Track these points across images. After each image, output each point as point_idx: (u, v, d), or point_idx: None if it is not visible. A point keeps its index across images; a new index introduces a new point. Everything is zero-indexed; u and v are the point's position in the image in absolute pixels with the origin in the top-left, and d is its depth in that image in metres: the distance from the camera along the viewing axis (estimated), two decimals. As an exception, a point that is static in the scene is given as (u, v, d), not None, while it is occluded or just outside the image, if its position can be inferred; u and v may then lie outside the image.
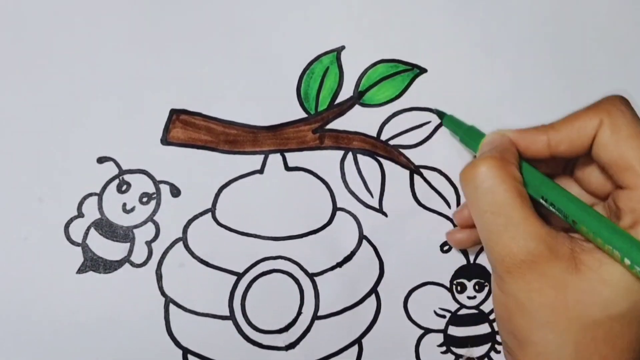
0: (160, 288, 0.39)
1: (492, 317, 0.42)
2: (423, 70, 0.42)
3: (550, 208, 0.33)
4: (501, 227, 0.30)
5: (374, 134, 0.41)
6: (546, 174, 0.36)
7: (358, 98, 0.42)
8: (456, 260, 0.42)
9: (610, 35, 0.43)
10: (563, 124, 0.32)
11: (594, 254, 0.30)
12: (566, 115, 0.33)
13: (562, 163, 0.37)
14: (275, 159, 0.41)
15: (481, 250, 0.42)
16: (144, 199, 0.40)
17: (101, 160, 0.39)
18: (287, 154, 0.41)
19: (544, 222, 0.31)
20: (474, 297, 0.41)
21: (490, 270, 0.33)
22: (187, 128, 0.40)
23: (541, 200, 0.33)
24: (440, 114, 0.41)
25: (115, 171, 0.39)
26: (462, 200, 0.41)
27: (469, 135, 0.38)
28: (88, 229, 0.39)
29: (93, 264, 0.39)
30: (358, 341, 0.40)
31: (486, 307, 0.42)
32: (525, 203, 0.30)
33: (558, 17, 0.43)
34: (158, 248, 0.39)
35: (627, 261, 0.29)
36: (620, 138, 0.30)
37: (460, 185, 0.33)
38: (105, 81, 0.40)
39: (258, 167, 0.40)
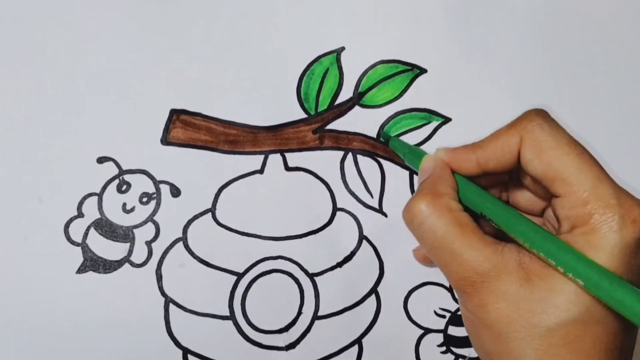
0: (160, 288, 0.39)
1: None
2: (423, 71, 0.42)
3: (491, 223, 0.33)
4: (448, 257, 0.32)
5: (374, 135, 0.41)
6: (498, 182, 0.37)
7: (358, 99, 0.42)
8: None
9: (610, 34, 0.43)
10: (488, 142, 0.34)
11: (542, 262, 0.31)
12: (491, 133, 0.34)
13: (505, 176, 0.38)
14: (275, 159, 0.41)
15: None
16: (144, 199, 0.40)
17: (101, 160, 0.39)
18: (287, 154, 0.41)
19: (490, 239, 0.32)
20: (474, 298, 0.41)
21: None
22: (187, 128, 0.40)
23: (482, 216, 0.34)
24: (386, 137, 0.41)
25: (115, 171, 0.40)
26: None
27: (412, 156, 0.38)
28: (88, 229, 0.39)
29: (93, 264, 0.39)
30: (358, 341, 0.40)
31: (486, 308, 0.42)
32: (466, 229, 0.31)
33: (558, 16, 0.43)
34: (158, 248, 0.39)
35: (560, 269, 0.29)
36: (542, 151, 0.31)
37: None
38: (106, 81, 0.40)
39: (258, 167, 0.40)
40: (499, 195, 0.38)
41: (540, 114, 0.32)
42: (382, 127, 0.42)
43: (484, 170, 0.34)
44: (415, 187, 0.41)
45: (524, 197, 0.37)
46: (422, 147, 0.42)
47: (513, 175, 0.37)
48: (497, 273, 0.30)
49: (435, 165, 0.35)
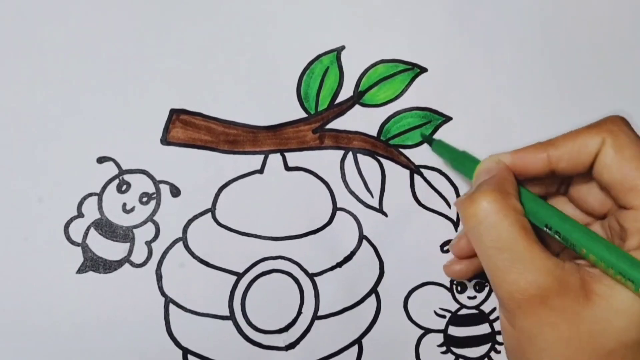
0: (160, 288, 0.39)
1: (492, 317, 0.42)
2: (423, 70, 0.42)
3: (555, 236, 0.32)
4: (507, 262, 0.29)
5: (374, 134, 0.41)
6: (540, 194, 0.35)
7: (358, 98, 0.42)
8: (456, 260, 0.42)
9: (610, 34, 0.43)
10: (563, 141, 0.32)
11: (604, 281, 0.29)
12: (566, 133, 0.33)
13: (557, 182, 0.36)
14: (275, 159, 0.41)
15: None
16: (144, 199, 0.40)
17: (101, 160, 0.39)
18: (287, 154, 0.41)
19: (550, 252, 0.30)
20: (474, 297, 0.41)
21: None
22: (187, 128, 0.40)
23: (545, 229, 0.32)
24: (429, 140, 0.41)
25: (115, 171, 0.39)
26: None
27: (460, 162, 0.38)
28: (88, 229, 0.39)
29: (93, 264, 0.39)
30: (358, 341, 0.40)
31: (486, 307, 0.42)
32: (530, 236, 0.30)
33: (558, 16, 0.43)
34: (158, 248, 0.39)
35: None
36: (623, 158, 0.29)
37: (460, 219, 0.32)
38: (105, 81, 0.40)
39: (258, 167, 0.40)
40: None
41: (626, 122, 0.31)
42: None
43: (552, 170, 0.32)
44: (417, 187, 0.41)
45: (568, 211, 0.35)
46: (424, 145, 0.41)
47: (562, 185, 0.36)
48: (559, 289, 0.29)
49: (499, 167, 0.33)
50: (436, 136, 0.41)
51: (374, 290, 0.41)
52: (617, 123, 0.31)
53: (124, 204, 0.39)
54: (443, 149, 0.40)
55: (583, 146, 0.31)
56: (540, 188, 0.36)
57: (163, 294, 0.39)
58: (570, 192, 0.36)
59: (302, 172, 0.41)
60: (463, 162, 0.38)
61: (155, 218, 0.39)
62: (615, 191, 0.30)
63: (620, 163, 0.29)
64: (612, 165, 0.30)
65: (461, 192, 0.41)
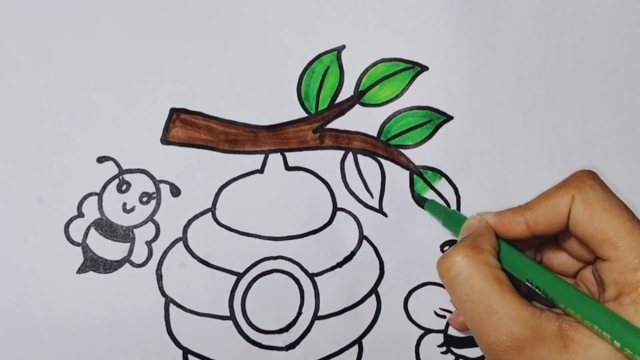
0: (160, 288, 0.39)
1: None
2: (424, 68, 0.42)
3: (537, 290, 0.33)
4: (483, 315, 0.30)
5: (375, 134, 0.41)
6: (534, 244, 0.36)
7: (358, 97, 0.42)
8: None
9: (611, 34, 0.43)
10: (537, 203, 0.33)
11: (583, 330, 0.30)
12: (540, 194, 0.33)
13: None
14: (275, 159, 0.41)
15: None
16: (144, 199, 0.40)
17: (101, 160, 0.39)
18: (287, 154, 0.41)
19: (527, 302, 0.31)
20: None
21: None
22: (187, 127, 0.40)
23: (527, 283, 0.33)
24: (422, 200, 0.41)
25: (115, 171, 0.39)
26: (462, 201, 0.41)
27: (450, 219, 0.39)
28: (88, 229, 0.39)
29: (93, 264, 0.39)
30: (358, 341, 0.40)
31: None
32: (505, 287, 0.30)
33: (559, 15, 0.43)
34: (158, 248, 0.39)
35: (617, 343, 0.29)
36: (593, 212, 0.30)
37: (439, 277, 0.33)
38: (106, 81, 0.40)
39: (258, 167, 0.40)
40: (533, 257, 0.37)
41: (592, 175, 0.32)
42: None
43: (532, 232, 0.33)
44: (417, 187, 0.41)
45: (558, 259, 0.36)
46: (424, 145, 0.41)
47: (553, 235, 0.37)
48: (536, 339, 0.29)
49: (480, 225, 0.34)
50: (436, 136, 0.41)
51: (374, 290, 0.41)
52: (583, 178, 0.31)
53: (124, 204, 0.39)
54: (435, 209, 0.40)
55: (556, 206, 0.32)
56: (533, 241, 0.36)
57: (163, 294, 0.39)
58: (559, 242, 0.36)
59: (302, 172, 0.41)
60: (452, 220, 0.38)
61: (155, 218, 0.39)
62: (590, 245, 0.31)
63: (590, 218, 0.30)
64: (583, 221, 0.30)
65: (461, 193, 0.41)
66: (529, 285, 0.33)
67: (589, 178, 0.31)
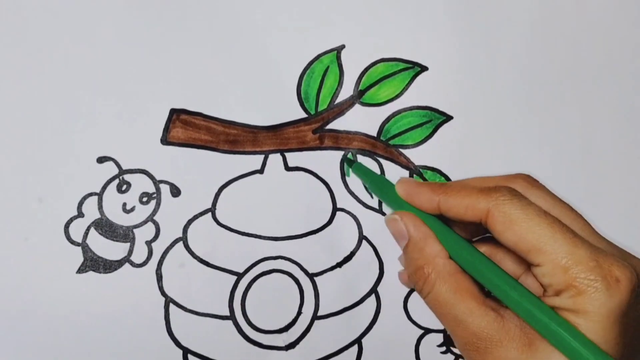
0: (160, 288, 0.39)
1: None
2: (424, 68, 0.42)
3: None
4: (452, 323, 0.32)
5: (374, 134, 0.41)
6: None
7: (358, 97, 0.42)
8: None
9: (611, 34, 0.43)
10: (455, 194, 0.33)
11: None
12: (460, 184, 0.33)
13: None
14: (275, 159, 0.41)
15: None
16: (144, 199, 0.40)
17: (101, 160, 0.39)
18: (287, 154, 0.41)
19: (491, 303, 0.31)
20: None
21: None
22: (187, 128, 0.40)
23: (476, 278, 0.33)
24: (350, 162, 0.40)
25: (115, 171, 0.39)
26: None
27: (376, 185, 0.37)
28: (88, 229, 0.39)
29: (93, 263, 0.39)
30: (358, 341, 0.40)
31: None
32: (465, 295, 0.31)
33: (559, 15, 0.43)
34: (158, 248, 0.39)
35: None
36: (513, 224, 0.30)
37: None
38: (106, 81, 0.40)
39: (258, 167, 0.40)
40: (485, 249, 0.36)
41: (512, 191, 0.32)
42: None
43: (443, 214, 0.33)
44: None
45: (512, 256, 0.35)
46: (424, 145, 0.41)
47: None
48: (500, 339, 0.30)
49: (408, 227, 0.34)
50: (436, 136, 0.41)
51: (374, 290, 0.41)
52: (503, 193, 0.31)
53: (124, 204, 0.39)
54: (362, 172, 0.39)
55: (470, 209, 0.32)
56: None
57: (163, 294, 0.39)
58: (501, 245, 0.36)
59: (302, 172, 0.41)
60: (378, 186, 0.37)
61: (155, 218, 0.39)
62: (517, 253, 0.31)
63: (511, 229, 0.30)
64: (504, 232, 0.31)
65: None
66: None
67: (508, 193, 0.31)
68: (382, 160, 0.41)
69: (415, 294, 0.41)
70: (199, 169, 0.40)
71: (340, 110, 0.41)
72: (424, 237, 0.33)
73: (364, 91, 0.42)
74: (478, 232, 0.36)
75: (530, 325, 0.30)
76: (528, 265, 0.35)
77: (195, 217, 0.40)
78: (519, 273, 0.35)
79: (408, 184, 0.35)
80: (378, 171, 0.41)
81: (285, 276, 0.40)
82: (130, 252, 0.39)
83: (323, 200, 0.41)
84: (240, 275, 0.40)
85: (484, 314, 0.31)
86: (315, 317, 0.40)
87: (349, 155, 0.41)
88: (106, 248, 0.39)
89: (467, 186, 0.33)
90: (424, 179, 0.41)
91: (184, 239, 0.40)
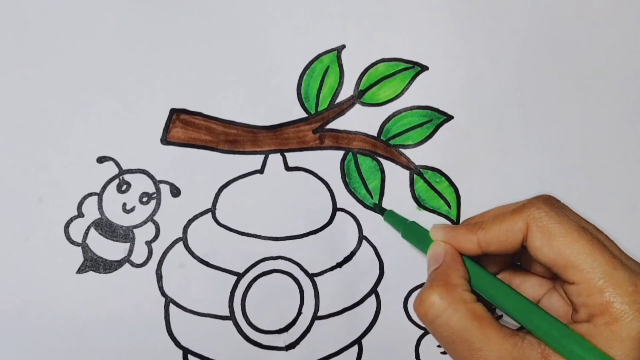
0: (160, 288, 0.39)
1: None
2: (424, 68, 0.42)
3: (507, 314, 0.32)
4: (467, 352, 0.30)
5: (375, 134, 0.41)
6: (500, 263, 0.36)
7: (359, 97, 0.41)
8: (456, 260, 0.41)
9: (611, 33, 0.43)
10: (491, 225, 0.33)
11: None
12: (494, 215, 0.33)
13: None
14: (275, 159, 0.41)
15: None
16: (144, 199, 0.40)
17: (101, 160, 0.39)
18: (287, 154, 0.41)
19: (509, 331, 0.31)
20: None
21: None
22: (187, 128, 0.40)
23: (497, 308, 0.33)
24: (381, 210, 0.40)
25: (115, 171, 0.39)
26: (462, 201, 0.41)
27: (409, 232, 0.38)
28: (88, 229, 0.39)
29: (93, 264, 0.39)
30: (358, 341, 0.40)
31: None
32: (484, 322, 0.30)
33: (559, 15, 0.43)
34: (158, 248, 0.39)
35: None
36: (552, 238, 0.30)
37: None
38: (106, 81, 0.40)
39: (258, 167, 0.40)
40: (503, 277, 0.37)
41: (548, 202, 0.31)
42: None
43: (484, 251, 0.33)
44: (417, 187, 0.41)
45: (530, 281, 0.36)
46: (424, 145, 0.41)
47: (517, 256, 0.37)
48: None
49: (446, 254, 0.34)
50: (436, 136, 0.41)
51: (374, 290, 0.41)
52: (539, 205, 0.31)
53: (124, 204, 0.39)
54: (393, 219, 0.40)
55: (509, 231, 0.32)
56: (498, 260, 0.36)
57: (163, 294, 0.39)
58: (525, 265, 0.36)
59: (302, 172, 0.41)
60: (412, 235, 0.38)
61: (155, 218, 0.39)
62: (554, 270, 0.31)
63: (549, 244, 0.30)
64: (542, 248, 0.30)
65: (461, 193, 0.41)
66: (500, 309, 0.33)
67: (544, 204, 0.31)
68: (382, 160, 0.41)
69: (415, 294, 0.41)
70: (199, 169, 0.40)
71: (340, 110, 0.41)
72: (451, 266, 0.33)
73: (365, 91, 0.41)
74: (505, 264, 0.36)
75: (551, 353, 0.29)
76: (553, 284, 0.34)
77: (195, 217, 0.40)
78: (538, 297, 0.35)
79: (443, 229, 0.34)
80: (381, 174, 0.41)
81: (285, 276, 0.40)
82: (130, 252, 0.39)
83: (323, 200, 0.41)
84: (240, 276, 0.40)
85: (503, 341, 0.30)
86: (316, 317, 0.40)
87: (376, 204, 0.41)
88: (106, 248, 0.39)
89: (499, 212, 0.33)
90: (424, 179, 0.41)
91: (184, 239, 0.39)
